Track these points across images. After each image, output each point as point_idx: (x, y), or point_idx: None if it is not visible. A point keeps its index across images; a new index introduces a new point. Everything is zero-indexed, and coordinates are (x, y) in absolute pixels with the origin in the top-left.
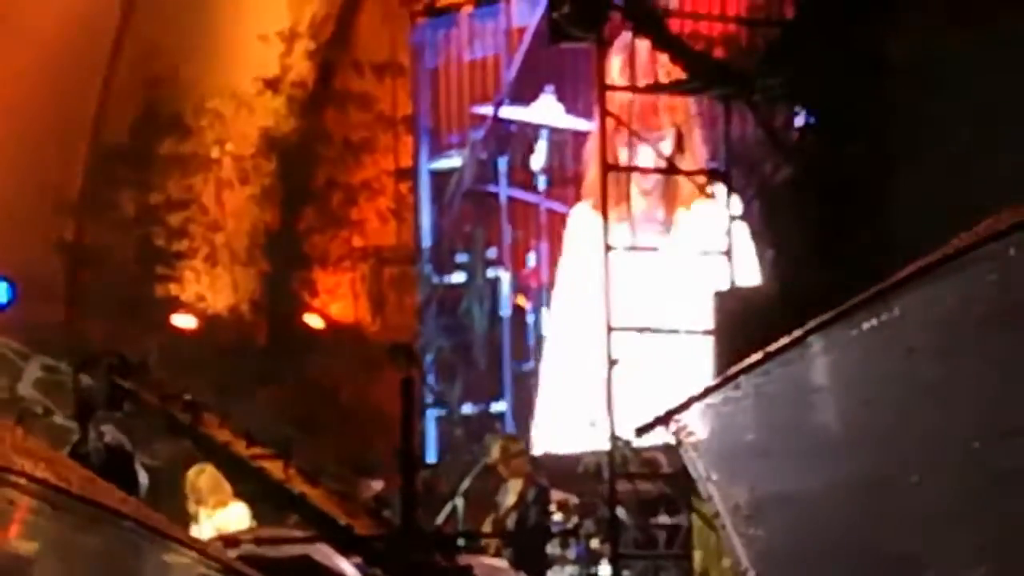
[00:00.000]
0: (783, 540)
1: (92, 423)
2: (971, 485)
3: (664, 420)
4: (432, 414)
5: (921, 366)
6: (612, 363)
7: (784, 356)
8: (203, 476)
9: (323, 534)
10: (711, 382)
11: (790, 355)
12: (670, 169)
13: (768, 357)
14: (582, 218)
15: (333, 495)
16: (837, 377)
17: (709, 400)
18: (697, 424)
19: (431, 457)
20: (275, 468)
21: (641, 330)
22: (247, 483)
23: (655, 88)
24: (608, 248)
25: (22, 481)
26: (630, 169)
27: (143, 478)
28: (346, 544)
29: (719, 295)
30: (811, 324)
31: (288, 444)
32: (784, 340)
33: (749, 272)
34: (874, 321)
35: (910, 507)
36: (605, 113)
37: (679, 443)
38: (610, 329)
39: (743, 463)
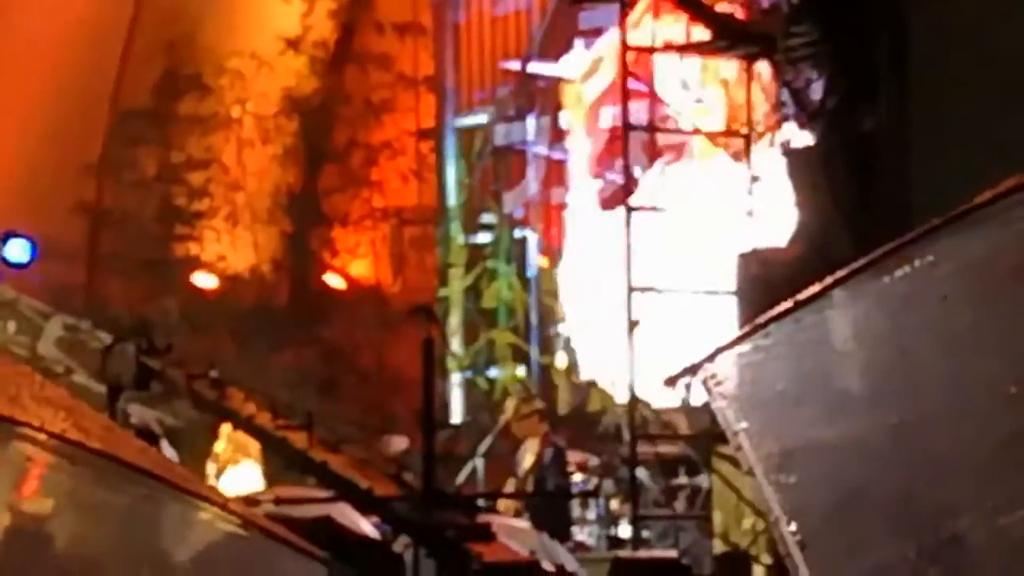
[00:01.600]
0: (814, 487)
1: (120, 403)
2: (1006, 431)
3: (693, 369)
4: (458, 378)
5: (954, 313)
6: (632, 324)
7: (815, 304)
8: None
9: (345, 497)
10: (740, 331)
11: (821, 303)
12: (693, 129)
13: (799, 305)
14: (585, 179)
15: (354, 461)
16: (869, 325)
17: (739, 349)
18: (727, 373)
19: (456, 419)
20: (298, 438)
21: (662, 291)
22: (273, 452)
23: (678, 48)
24: (629, 208)
25: (41, 436)
26: (651, 129)
27: (170, 454)
28: (367, 505)
29: (743, 257)
30: (842, 272)
31: (310, 414)
32: (815, 288)
33: (772, 233)
34: (907, 269)
35: (944, 454)
36: (627, 72)
37: (708, 392)
38: (631, 289)
39: (773, 411)
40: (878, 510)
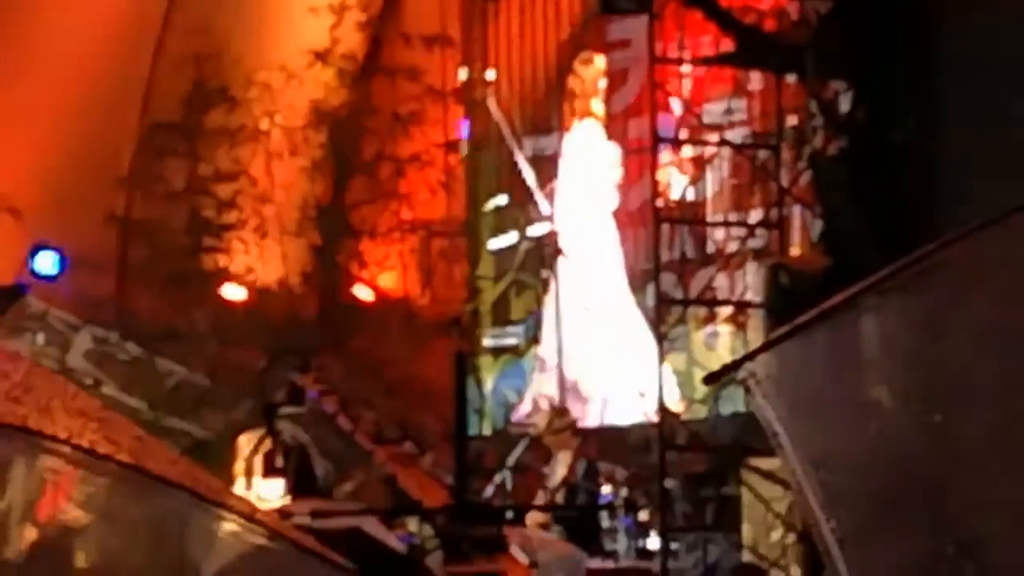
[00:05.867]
0: (853, 484)
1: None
2: None
3: (734, 368)
4: (488, 389)
5: (989, 315)
6: (662, 336)
7: (853, 305)
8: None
9: (401, 509)
10: (780, 332)
11: (859, 304)
12: (721, 141)
13: (837, 307)
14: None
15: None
16: (905, 326)
17: (780, 349)
18: (767, 372)
19: (486, 430)
20: (381, 453)
21: (690, 302)
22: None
23: (706, 61)
24: (658, 216)
25: (66, 450)
26: (678, 142)
27: (320, 471)
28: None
29: (771, 268)
30: (884, 272)
31: (403, 427)
32: (857, 288)
33: (799, 244)
34: (949, 269)
35: (981, 451)
36: (655, 85)
37: (747, 390)
38: (660, 300)
39: (813, 410)
40: (916, 507)
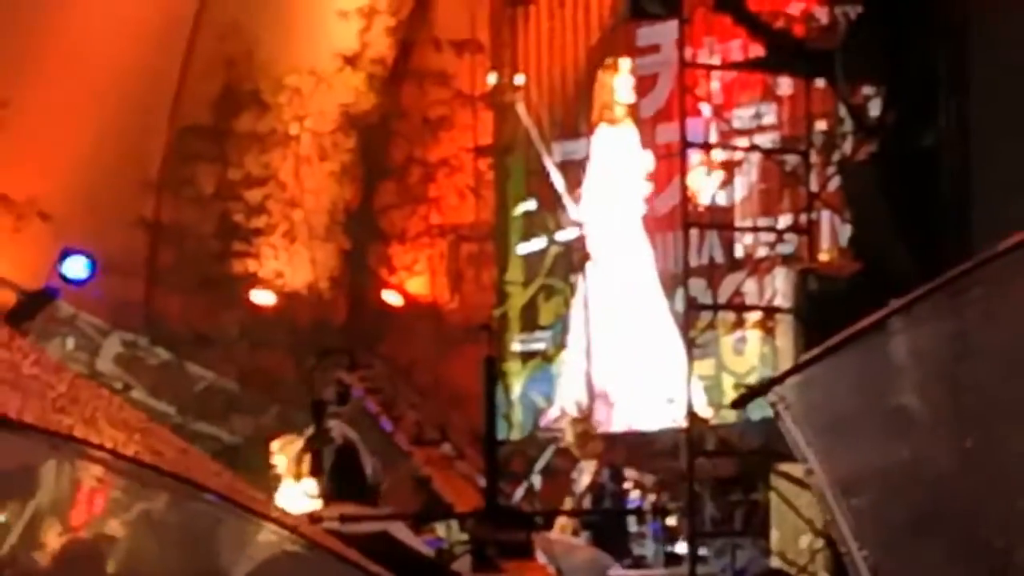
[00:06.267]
0: (885, 510)
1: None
2: None
3: (763, 391)
4: (516, 394)
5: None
6: (691, 342)
7: (882, 328)
8: (289, 448)
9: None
10: (809, 355)
11: (888, 327)
12: (751, 146)
13: (867, 329)
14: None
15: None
16: (936, 349)
17: (809, 372)
18: (796, 395)
19: (513, 435)
20: (420, 455)
21: (719, 308)
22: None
23: (736, 66)
24: (686, 221)
25: (109, 458)
26: (708, 146)
27: (369, 469)
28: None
29: (799, 273)
30: (915, 293)
31: (443, 428)
32: (886, 310)
33: (828, 249)
34: (974, 292)
35: (1014, 476)
36: (685, 90)
37: (777, 415)
38: (689, 305)
39: (843, 434)
40: (949, 533)
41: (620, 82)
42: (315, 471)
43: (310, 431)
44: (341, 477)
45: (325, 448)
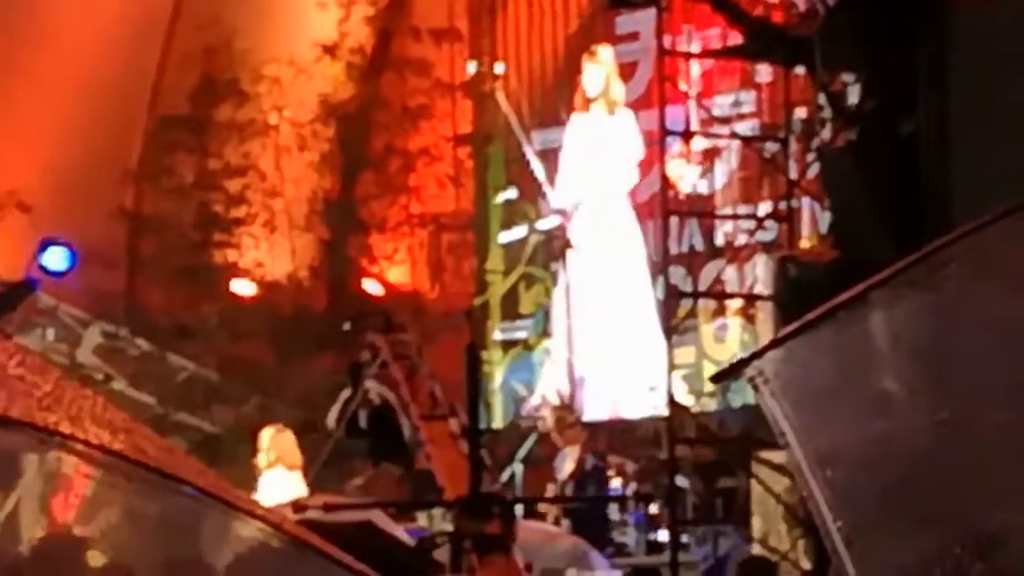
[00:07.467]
0: (860, 483)
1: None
2: None
3: (742, 365)
4: (497, 382)
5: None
6: (672, 329)
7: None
8: (282, 436)
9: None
10: (788, 329)
11: (867, 302)
12: (730, 134)
13: (845, 304)
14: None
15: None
16: (914, 323)
17: (788, 346)
18: (775, 370)
19: (495, 423)
20: (426, 430)
21: (699, 295)
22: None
23: (715, 53)
24: (666, 209)
25: (96, 453)
26: (687, 134)
27: (407, 431)
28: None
29: (779, 260)
30: (887, 271)
31: (452, 406)
32: (861, 286)
33: (808, 237)
34: (951, 267)
35: (990, 449)
36: (664, 78)
37: (756, 388)
38: (669, 293)
39: (821, 408)
40: (924, 506)
41: (592, 71)
42: (350, 433)
43: (346, 393)
44: (378, 437)
45: (362, 407)
